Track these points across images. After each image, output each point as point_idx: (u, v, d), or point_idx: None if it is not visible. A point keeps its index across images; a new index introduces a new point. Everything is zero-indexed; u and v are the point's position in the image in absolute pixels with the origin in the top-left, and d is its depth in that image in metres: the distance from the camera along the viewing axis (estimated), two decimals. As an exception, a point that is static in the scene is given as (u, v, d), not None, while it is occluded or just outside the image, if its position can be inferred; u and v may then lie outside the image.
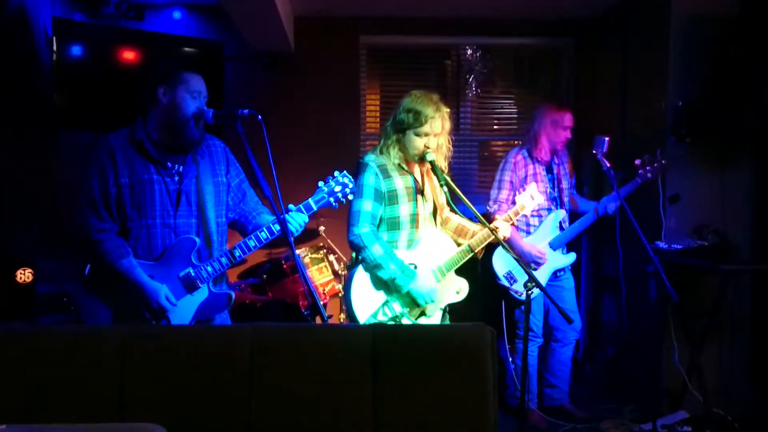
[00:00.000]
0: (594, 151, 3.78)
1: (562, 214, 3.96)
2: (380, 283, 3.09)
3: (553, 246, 3.90)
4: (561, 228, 3.96)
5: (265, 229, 2.64)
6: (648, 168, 3.79)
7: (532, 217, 3.93)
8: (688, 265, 3.80)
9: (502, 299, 3.99)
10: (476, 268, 3.82)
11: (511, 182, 3.94)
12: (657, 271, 3.41)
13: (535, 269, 3.85)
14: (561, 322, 4.00)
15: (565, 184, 4.06)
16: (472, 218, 3.21)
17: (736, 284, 3.96)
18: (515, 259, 2.97)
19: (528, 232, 3.96)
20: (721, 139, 4.04)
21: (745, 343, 4.09)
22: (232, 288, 4.16)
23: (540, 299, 3.97)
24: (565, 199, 4.05)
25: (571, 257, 3.98)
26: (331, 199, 2.75)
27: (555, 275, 3.98)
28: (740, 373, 4.07)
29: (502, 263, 3.91)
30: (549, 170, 4.01)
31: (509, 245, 3.79)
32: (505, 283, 3.86)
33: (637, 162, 3.83)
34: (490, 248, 3.68)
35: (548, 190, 3.96)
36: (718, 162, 4.08)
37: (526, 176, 3.93)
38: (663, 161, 3.79)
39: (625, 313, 4.09)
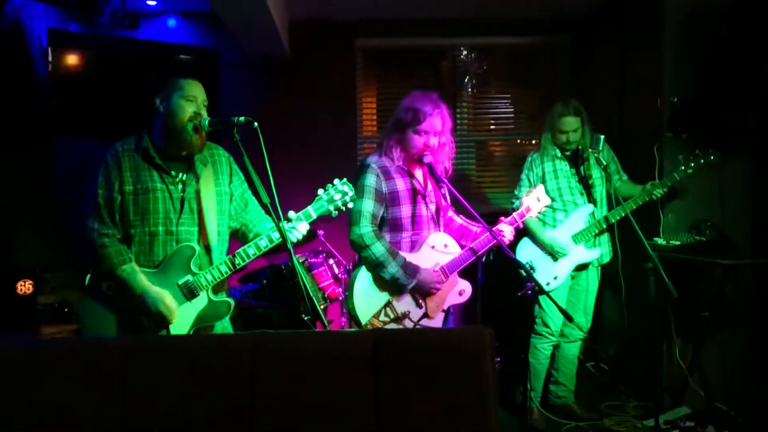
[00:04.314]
0: (590, 149, 3.79)
1: (589, 208, 3.93)
2: (383, 284, 3.10)
3: (577, 240, 3.89)
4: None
5: (264, 237, 2.65)
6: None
7: (558, 212, 3.92)
8: (687, 261, 3.81)
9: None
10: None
11: (529, 179, 3.98)
12: (656, 268, 3.42)
13: (556, 261, 3.87)
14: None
15: (596, 174, 3.96)
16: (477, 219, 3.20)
17: (736, 279, 3.96)
18: (516, 261, 2.98)
19: (554, 227, 3.94)
20: (718, 134, 4.03)
21: (747, 337, 4.09)
22: (232, 293, 4.16)
23: (557, 296, 3.94)
24: (597, 193, 3.96)
25: (595, 252, 3.94)
26: (331, 207, 2.76)
27: (579, 270, 3.99)
28: (742, 368, 4.07)
29: (523, 254, 3.91)
30: (574, 164, 3.98)
31: (531, 235, 3.90)
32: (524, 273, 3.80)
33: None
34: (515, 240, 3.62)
35: (572, 185, 3.94)
36: (715, 157, 4.09)
37: (544, 173, 3.95)
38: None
39: (625, 309, 4.09)
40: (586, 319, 4.11)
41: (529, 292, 3.02)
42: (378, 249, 3.03)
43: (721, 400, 3.93)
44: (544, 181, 3.92)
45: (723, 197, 4.06)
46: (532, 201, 3.33)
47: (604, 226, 3.89)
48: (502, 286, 3.77)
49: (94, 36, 4.63)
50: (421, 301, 3.14)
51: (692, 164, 3.77)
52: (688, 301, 3.84)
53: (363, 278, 3.11)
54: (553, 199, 3.88)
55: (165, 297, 2.53)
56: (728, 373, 4.07)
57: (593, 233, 3.89)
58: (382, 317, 3.09)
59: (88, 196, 2.59)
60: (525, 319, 3.95)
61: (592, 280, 4.08)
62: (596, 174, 3.96)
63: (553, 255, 3.87)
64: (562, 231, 3.90)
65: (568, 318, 3.00)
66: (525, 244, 3.97)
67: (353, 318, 3.12)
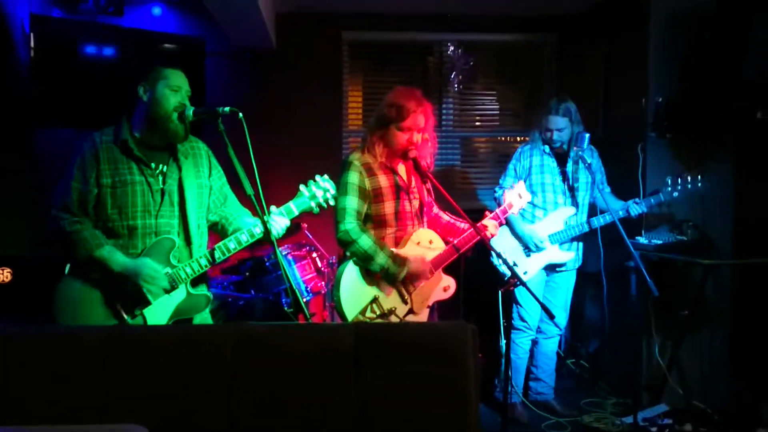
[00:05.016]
0: (575, 147, 3.80)
1: (569, 211, 3.93)
2: (370, 280, 3.09)
3: (553, 240, 3.91)
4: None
5: (245, 232, 2.62)
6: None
7: (538, 209, 3.94)
8: (668, 260, 3.84)
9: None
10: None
11: (515, 170, 4.00)
12: (637, 266, 3.44)
13: (528, 255, 3.89)
14: (544, 315, 4.03)
15: (582, 179, 3.97)
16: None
17: (716, 278, 4.00)
18: (497, 254, 2.98)
19: (532, 222, 3.95)
20: (701, 134, 4.07)
21: (725, 336, 4.13)
22: (214, 285, 4.13)
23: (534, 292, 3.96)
24: (581, 197, 3.98)
25: (569, 255, 3.97)
26: (312, 204, 2.75)
27: (554, 269, 4.02)
28: (720, 366, 4.11)
29: (499, 246, 3.86)
30: (562, 164, 3.99)
31: (510, 226, 3.92)
32: (496, 261, 3.86)
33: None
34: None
35: (556, 183, 3.94)
36: (698, 157, 4.12)
37: (530, 166, 3.95)
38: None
39: (606, 307, 4.12)
40: (564, 315, 4.14)
41: (512, 287, 3.02)
42: (365, 242, 3.02)
43: (699, 398, 3.98)
44: (529, 174, 3.93)
45: (705, 198, 4.10)
46: (514, 197, 3.36)
47: (585, 230, 3.90)
48: (482, 282, 3.79)
49: (78, 22, 4.57)
50: (407, 297, 3.14)
51: (679, 187, 3.79)
52: (669, 300, 3.87)
53: (350, 274, 3.10)
54: (534, 194, 3.89)
55: (147, 264, 2.49)
56: (706, 371, 4.12)
57: (570, 236, 3.91)
58: (368, 313, 3.07)
59: (63, 186, 2.55)
60: (504, 315, 3.96)
61: (570, 278, 4.11)
62: (583, 179, 3.97)
63: (527, 250, 3.89)
64: (540, 228, 3.92)
65: (549, 314, 3.01)
66: (499, 235, 3.96)
67: (339, 314, 3.10)
